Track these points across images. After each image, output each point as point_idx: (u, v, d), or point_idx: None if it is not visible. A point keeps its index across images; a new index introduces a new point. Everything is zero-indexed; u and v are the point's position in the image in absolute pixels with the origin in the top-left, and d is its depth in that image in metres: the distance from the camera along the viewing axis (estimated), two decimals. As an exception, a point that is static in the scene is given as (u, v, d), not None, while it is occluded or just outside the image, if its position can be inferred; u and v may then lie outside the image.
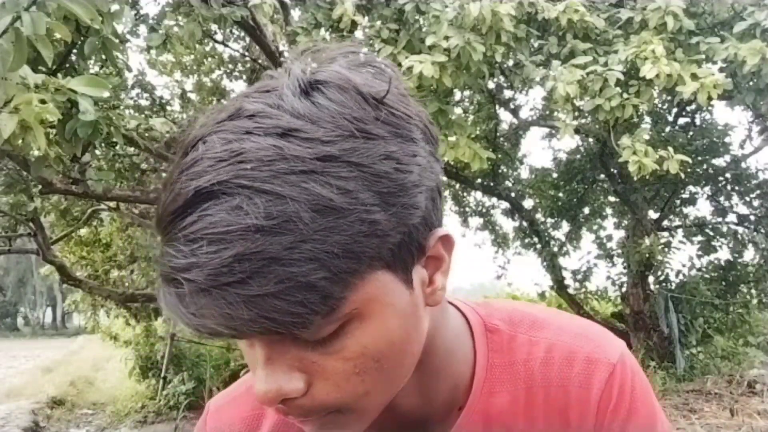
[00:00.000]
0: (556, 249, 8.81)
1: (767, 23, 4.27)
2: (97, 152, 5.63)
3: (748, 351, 8.02)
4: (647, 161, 4.09)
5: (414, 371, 0.51)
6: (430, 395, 0.57)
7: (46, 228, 6.51)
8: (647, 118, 7.14)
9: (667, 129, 7.78)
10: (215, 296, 0.38)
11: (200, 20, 4.39)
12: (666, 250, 7.73)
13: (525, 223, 8.99)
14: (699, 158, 7.39)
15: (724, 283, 7.89)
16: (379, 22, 4.65)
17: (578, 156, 8.69)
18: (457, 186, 8.65)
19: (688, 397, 6.43)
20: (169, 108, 7.11)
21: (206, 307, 0.38)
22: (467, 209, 9.84)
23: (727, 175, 7.88)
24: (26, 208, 5.73)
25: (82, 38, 2.93)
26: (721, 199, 8.22)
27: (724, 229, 8.21)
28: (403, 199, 0.43)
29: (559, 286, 8.63)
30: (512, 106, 7.85)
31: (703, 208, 11.50)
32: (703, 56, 4.42)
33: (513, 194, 8.68)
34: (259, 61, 7.26)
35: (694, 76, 4.10)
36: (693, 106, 7.45)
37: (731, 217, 8.21)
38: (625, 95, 4.22)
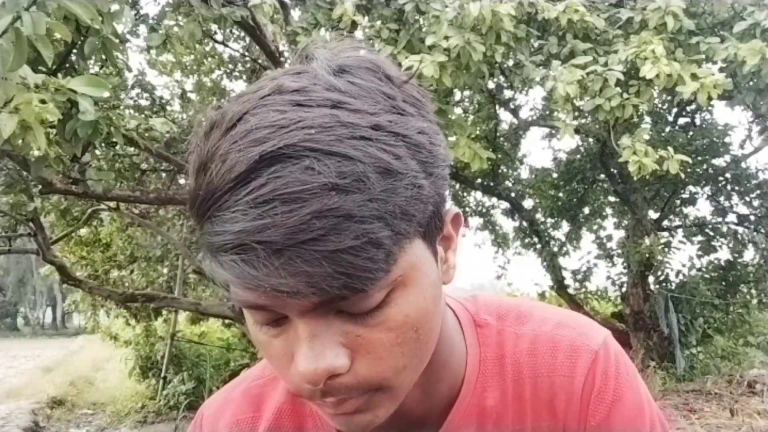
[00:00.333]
0: (556, 249, 8.80)
1: (767, 23, 4.27)
2: (97, 152, 5.62)
3: (748, 351, 8.02)
4: (647, 161, 4.08)
5: None
6: (432, 389, 0.57)
7: (46, 228, 6.50)
8: (647, 118, 7.13)
9: (667, 129, 7.77)
10: (291, 255, 0.38)
11: (200, 20, 4.39)
12: (666, 250, 7.72)
13: (525, 223, 8.98)
14: (699, 158, 7.38)
15: (724, 283, 7.87)
16: (379, 22, 4.64)
17: (578, 156, 8.68)
18: (457, 186, 8.64)
19: (688, 397, 6.42)
20: (169, 108, 7.10)
21: (282, 267, 0.38)
22: (467, 209, 9.83)
23: (727, 175, 7.87)
24: (26, 208, 5.72)
25: (82, 38, 2.92)
26: (721, 199, 8.20)
27: (724, 229, 8.19)
28: (437, 170, 0.45)
29: (559, 286, 8.63)
30: (512, 106, 7.84)
31: (703, 208, 11.52)
32: (703, 56, 4.41)
33: (513, 194, 8.68)
34: (259, 61, 7.26)
35: (694, 76, 4.10)
36: (693, 106, 7.45)
37: (731, 217, 8.20)
38: (625, 95, 4.21)
